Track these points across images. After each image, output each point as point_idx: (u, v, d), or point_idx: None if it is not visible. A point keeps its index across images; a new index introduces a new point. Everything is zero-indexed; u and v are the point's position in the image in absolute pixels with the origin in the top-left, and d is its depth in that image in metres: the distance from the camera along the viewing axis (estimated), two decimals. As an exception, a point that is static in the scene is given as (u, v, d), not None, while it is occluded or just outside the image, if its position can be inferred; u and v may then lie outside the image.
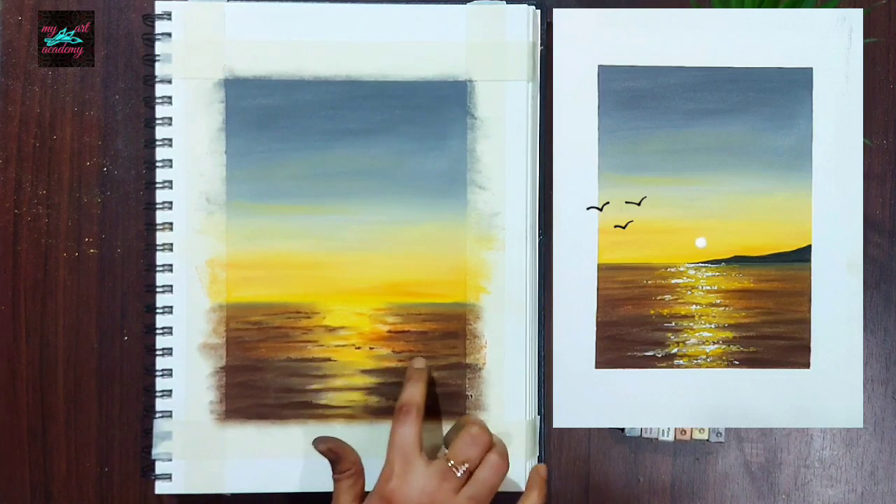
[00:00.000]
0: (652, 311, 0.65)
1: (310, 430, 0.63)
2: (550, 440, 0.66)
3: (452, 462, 0.56)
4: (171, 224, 0.63)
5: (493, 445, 0.58)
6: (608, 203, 0.64)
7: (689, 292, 0.65)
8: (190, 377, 0.63)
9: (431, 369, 0.63)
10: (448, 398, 0.63)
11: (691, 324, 0.65)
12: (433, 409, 0.63)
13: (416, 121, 0.64)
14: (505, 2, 0.64)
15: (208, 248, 0.63)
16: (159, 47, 0.63)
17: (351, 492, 0.57)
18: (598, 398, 0.64)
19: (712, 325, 0.65)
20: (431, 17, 0.64)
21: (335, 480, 0.57)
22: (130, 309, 0.65)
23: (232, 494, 0.63)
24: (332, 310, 0.64)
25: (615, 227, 0.64)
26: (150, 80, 0.64)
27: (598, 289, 0.64)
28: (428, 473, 0.56)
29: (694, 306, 0.65)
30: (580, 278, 0.64)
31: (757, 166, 0.64)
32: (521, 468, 0.63)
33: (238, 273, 0.63)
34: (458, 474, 0.56)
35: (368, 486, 0.58)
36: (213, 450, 0.63)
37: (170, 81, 0.63)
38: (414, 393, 0.59)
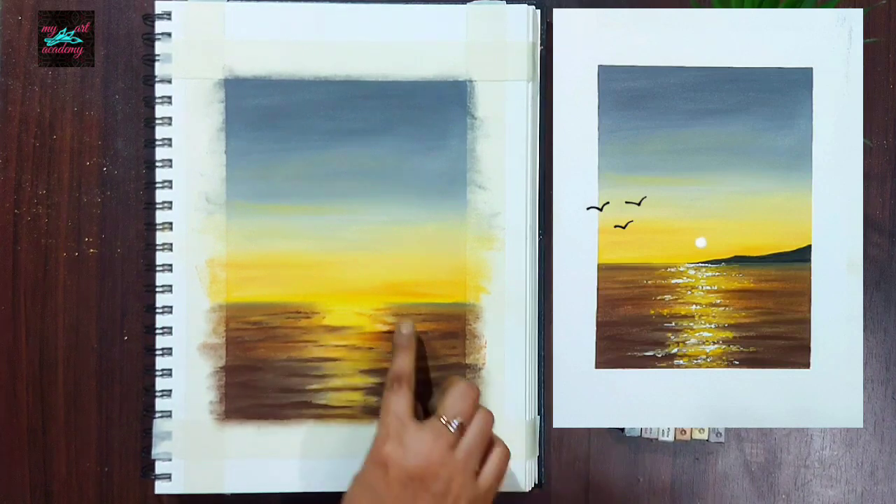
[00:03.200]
0: (652, 311, 0.65)
1: (309, 430, 0.63)
2: (550, 440, 0.66)
3: (444, 419, 0.56)
4: (170, 224, 0.63)
5: (479, 399, 0.58)
6: (608, 203, 0.64)
7: (689, 292, 0.65)
8: (190, 377, 0.63)
9: (432, 368, 0.63)
10: (448, 398, 0.63)
11: (691, 324, 0.65)
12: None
13: (416, 121, 0.64)
14: (505, 2, 0.64)
15: (208, 248, 0.63)
16: (159, 47, 0.63)
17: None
18: (598, 398, 0.64)
19: (712, 325, 0.65)
20: (431, 17, 0.64)
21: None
22: (130, 309, 0.65)
23: (232, 494, 0.63)
24: (332, 310, 0.64)
25: (615, 227, 0.64)
26: (150, 80, 0.64)
27: (598, 289, 0.64)
28: (421, 434, 0.56)
29: (694, 306, 0.65)
30: (580, 278, 0.64)
31: (757, 166, 0.64)
32: (521, 468, 0.63)
33: (238, 273, 0.63)
34: (451, 429, 0.56)
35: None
36: (213, 450, 0.63)
37: (170, 81, 0.63)
38: (404, 363, 0.59)
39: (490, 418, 0.58)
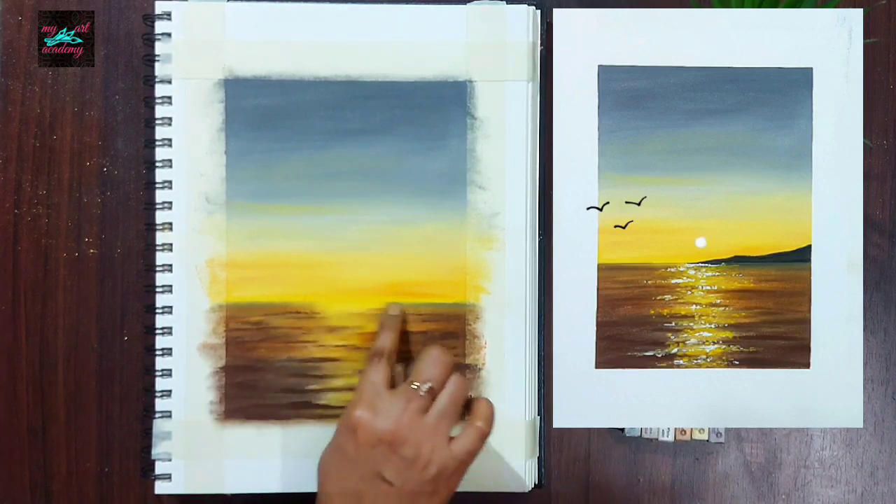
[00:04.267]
0: (652, 311, 0.65)
1: (310, 430, 0.63)
2: (550, 440, 0.66)
3: (415, 384, 0.57)
4: (170, 224, 0.63)
5: (453, 367, 0.58)
6: (608, 203, 0.64)
7: (689, 292, 0.65)
8: (190, 377, 0.63)
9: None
10: (448, 398, 0.63)
11: (691, 324, 0.65)
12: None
13: (416, 121, 0.64)
14: (505, 2, 0.64)
15: (208, 248, 0.63)
16: (159, 47, 0.63)
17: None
18: (598, 398, 0.64)
19: (712, 325, 0.65)
20: (431, 17, 0.64)
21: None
22: (130, 309, 0.65)
23: (232, 494, 0.63)
24: (332, 310, 0.64)
25: (615, 227, 0.64)
26: (150, 80, 0.64)
27: (598, 289, 0.64)
28: (392, 399, 0.56)
29: (694, 306, 0.65)
30: (580, 278, 0.64)
31: (757, 166, 0.64)
32: (521, 468, 0.63)
33: (238, 273, 0.63)
34: (421, 393, 0.56)
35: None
36: (213, 450, 0.63)
37: (170, 81, 0.63)
38: (387, 340, 0.60)
39: (463, 384, 0.58)
